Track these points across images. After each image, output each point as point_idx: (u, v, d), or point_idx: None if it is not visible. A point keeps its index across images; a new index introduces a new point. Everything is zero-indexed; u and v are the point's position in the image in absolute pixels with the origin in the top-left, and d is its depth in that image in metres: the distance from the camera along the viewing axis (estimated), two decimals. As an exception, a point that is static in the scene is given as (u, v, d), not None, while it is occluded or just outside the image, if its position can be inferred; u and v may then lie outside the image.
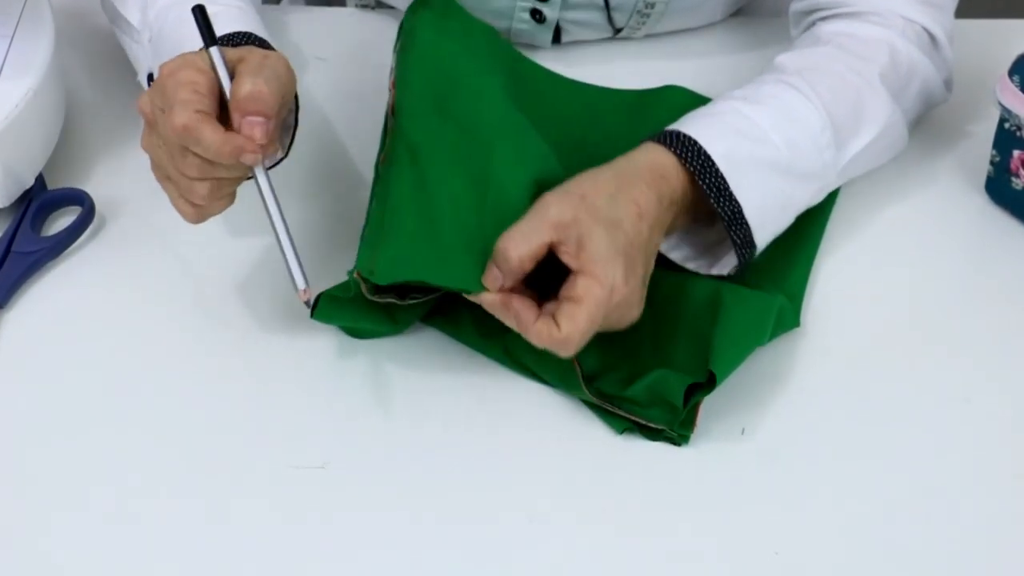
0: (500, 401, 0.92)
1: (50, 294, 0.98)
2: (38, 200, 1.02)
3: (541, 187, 0.90)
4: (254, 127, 0.87)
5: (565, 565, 0.84)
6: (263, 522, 0.85)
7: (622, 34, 1.17)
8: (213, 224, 0.99)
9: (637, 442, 0.90)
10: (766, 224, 0.94)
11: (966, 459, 0.89)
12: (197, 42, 0.91)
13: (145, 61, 1.02)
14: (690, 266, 0.97)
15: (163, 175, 0.90)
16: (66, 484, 0.87)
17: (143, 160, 1.03)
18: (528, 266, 0.86)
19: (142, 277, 0.99)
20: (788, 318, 0.94)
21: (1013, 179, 1.03)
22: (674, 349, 0.92)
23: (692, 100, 1.08)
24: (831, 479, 0.88)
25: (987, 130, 1.04)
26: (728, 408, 0.91)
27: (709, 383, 0.88)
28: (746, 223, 0.93)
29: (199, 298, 0.97)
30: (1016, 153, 1.02)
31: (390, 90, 1.00)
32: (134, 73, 1.10)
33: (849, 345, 0.96)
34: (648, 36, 1.18)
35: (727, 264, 0.96)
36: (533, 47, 1.17)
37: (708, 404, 0.89)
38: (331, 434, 0.90)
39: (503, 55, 1.06)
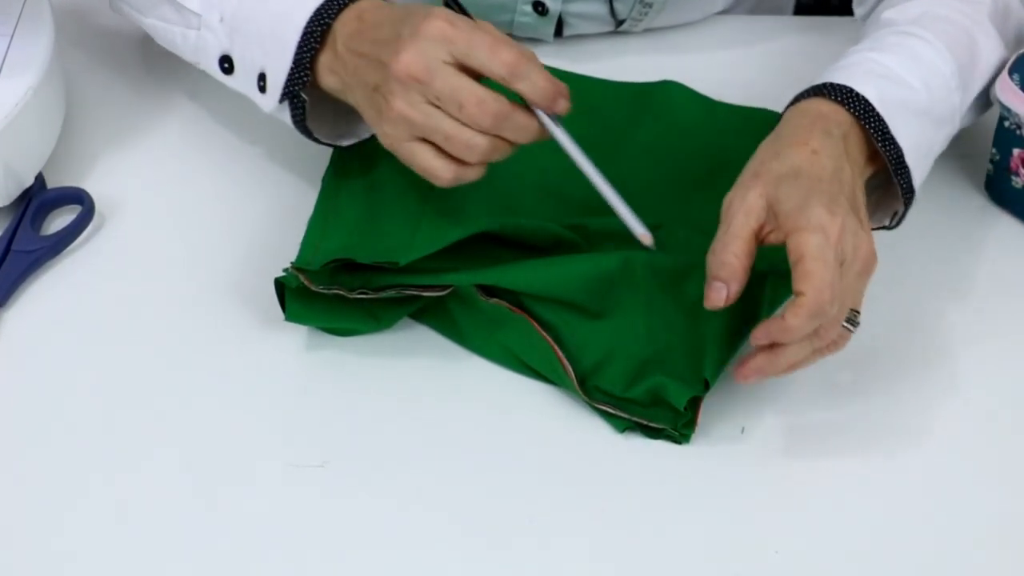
0: (500, 399, 0.92)
1: (50, 293, 0.98)
2: (38, 199, 1.02)
3: (491, 184, 0.92)
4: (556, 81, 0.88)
5: (566, 564, 0.83)
6: (262, 521, 0.85)
7: (624, 27, 1.17)
8: (213, 222, 1.01)
9: (638, 441, 0.89)
10: (917, 170, 0.93)
11: (965, 458, 0.89)
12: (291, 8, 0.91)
13: (215, 44, 0.98)
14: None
15: (413, 135, 0.89)
16: (66, 482, 0.86)
17: (143, 158, 1.04)
18: (747, 263, 0.85)
19: (141, 276, 0.99)
20: (782, 291, 0.91)
21: (1013, 178, 1.02)
22: (668, 341, 0.91)
23: (691, 96, 1.09)
24: (831, 478, 0.88)
25: (987, 129, 1.04)
26: (728, 407, 0.90)
27: (706, 383, 0.88)
28: (907, 167, 0.92)
29: (199, 296, 0.97)
30: (1016, 152, 1.01)
31: None
32: (136, 71, 1.10)
33: (849, 344, 0.91)
34: (649, 31, 1.18)
35: (884, 215, 0.96)
36: (535, 41, 1.16)
37: (708, 404, 0.89)
38: (331, 433, 0.90)
39: None
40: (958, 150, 1.06)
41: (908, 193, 0.93)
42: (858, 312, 0.87)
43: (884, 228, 0.97)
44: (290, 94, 0.94)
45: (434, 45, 0.87)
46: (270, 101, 0.96)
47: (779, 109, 0.97)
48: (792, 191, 0.85)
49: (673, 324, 0.91)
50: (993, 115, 1.02)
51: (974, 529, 0.86)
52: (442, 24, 0.87)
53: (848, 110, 0.91)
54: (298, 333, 0.94)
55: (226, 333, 0.95)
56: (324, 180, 0.99)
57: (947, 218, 1.04)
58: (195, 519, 0.85)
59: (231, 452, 0.88)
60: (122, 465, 0.88)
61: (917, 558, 0.84)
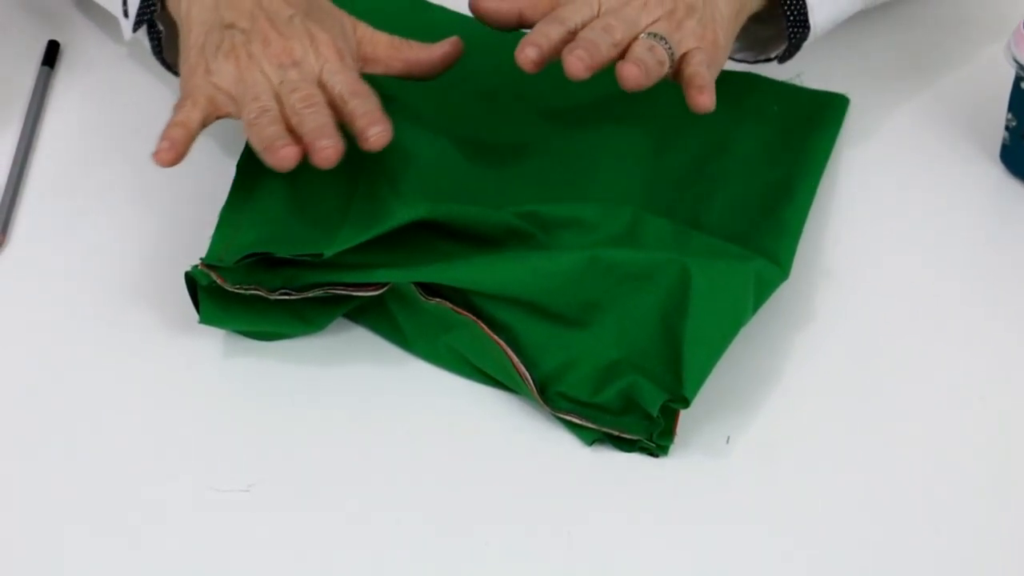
0: (450, 410, 0.89)
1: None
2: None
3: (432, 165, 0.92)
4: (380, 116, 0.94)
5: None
6: (180, 556, 0.82)
7: None
8: (113, 220, 0.98)
9: (608, 454, 0.87)
10: (823, 3, 0.99)
11: (980, 466, 0.86)
12: None
13: None
14: (737, 57, 1.02)
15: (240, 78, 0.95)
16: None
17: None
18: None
19: (38, 282, 0.96)
20: (771, 278, 0.90)
21: (1032, 146, 1.00)
22: (641, 345, 0.88)
23: None
24: (830, 494, 0.85)
25: (999, 91, 1.01)
26: (711, 413, 0.87)
27: (685, 400, 0.86)
28: None
29: (101, 300, 0.94)
30: (1035, 116, 0.98)
31: None
32: None
33: (849, 337, 0.93)
34: None
35: (775, 49, 1.02)
36: None
37: (688, 409, 0.86)
38: (256, 452, 0.87)
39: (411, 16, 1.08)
40: (969, 116, 1.05)
41: (796, 27, 0.98)
42: (665, 40, 0.92)
43: (769, 60, 1.02)
44: (144, 21, 0.98)
45: (317, 62, 0.92)
46: (128, 26, 0.99)
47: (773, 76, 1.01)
48: None
49: (646, 327, 0.88)
50: (1008, 76, 0.98)
51: (981, 547, 0.83)
52: (334, 54, 0.93)
53: None
54: (215, 338, 0.92)
55: (132, 341, 0.92)
56: (239, 164, 0.96)
57: (958, 192, 1.02)
58: (107, 551, 0.82)
59: (142, 477, 0.86)
60: (17, 494, 0.84)
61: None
